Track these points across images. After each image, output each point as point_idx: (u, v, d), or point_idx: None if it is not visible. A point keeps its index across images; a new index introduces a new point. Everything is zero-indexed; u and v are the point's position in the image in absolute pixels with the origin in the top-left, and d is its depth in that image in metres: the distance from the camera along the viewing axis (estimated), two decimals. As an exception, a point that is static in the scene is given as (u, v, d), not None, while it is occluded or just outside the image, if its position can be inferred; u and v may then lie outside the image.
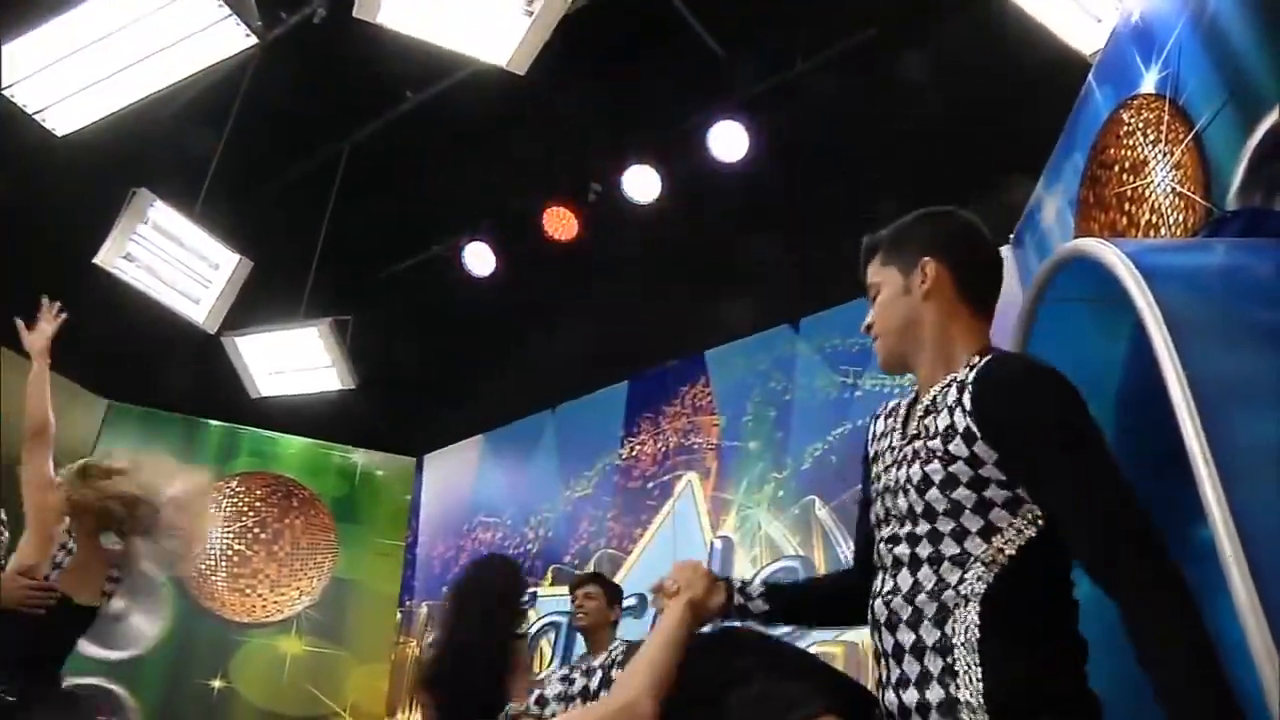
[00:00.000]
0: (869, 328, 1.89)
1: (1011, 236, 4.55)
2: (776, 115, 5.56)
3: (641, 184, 5.92)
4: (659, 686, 1.75)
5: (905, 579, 1.65)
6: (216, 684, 6.35)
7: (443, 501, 7.48)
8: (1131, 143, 3.20)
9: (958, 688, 1.53)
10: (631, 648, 4.19)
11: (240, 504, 6.92)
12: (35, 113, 4.41)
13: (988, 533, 1.59)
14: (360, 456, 7.48)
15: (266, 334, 5.90)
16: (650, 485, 6.25)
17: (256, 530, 6.89)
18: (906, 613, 1.62)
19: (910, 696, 1.59)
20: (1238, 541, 1.56)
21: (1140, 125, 3.14)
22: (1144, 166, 3.11)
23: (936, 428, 1.67)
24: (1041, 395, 1.64)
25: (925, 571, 1.62)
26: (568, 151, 6.08)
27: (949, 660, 1.55)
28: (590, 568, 6.15)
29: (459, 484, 7.43)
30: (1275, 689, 1.45)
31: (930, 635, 1.58)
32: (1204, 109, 2.75)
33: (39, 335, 3.76)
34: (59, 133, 4.51)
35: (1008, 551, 1.57)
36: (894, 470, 1.73)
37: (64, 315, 3.85)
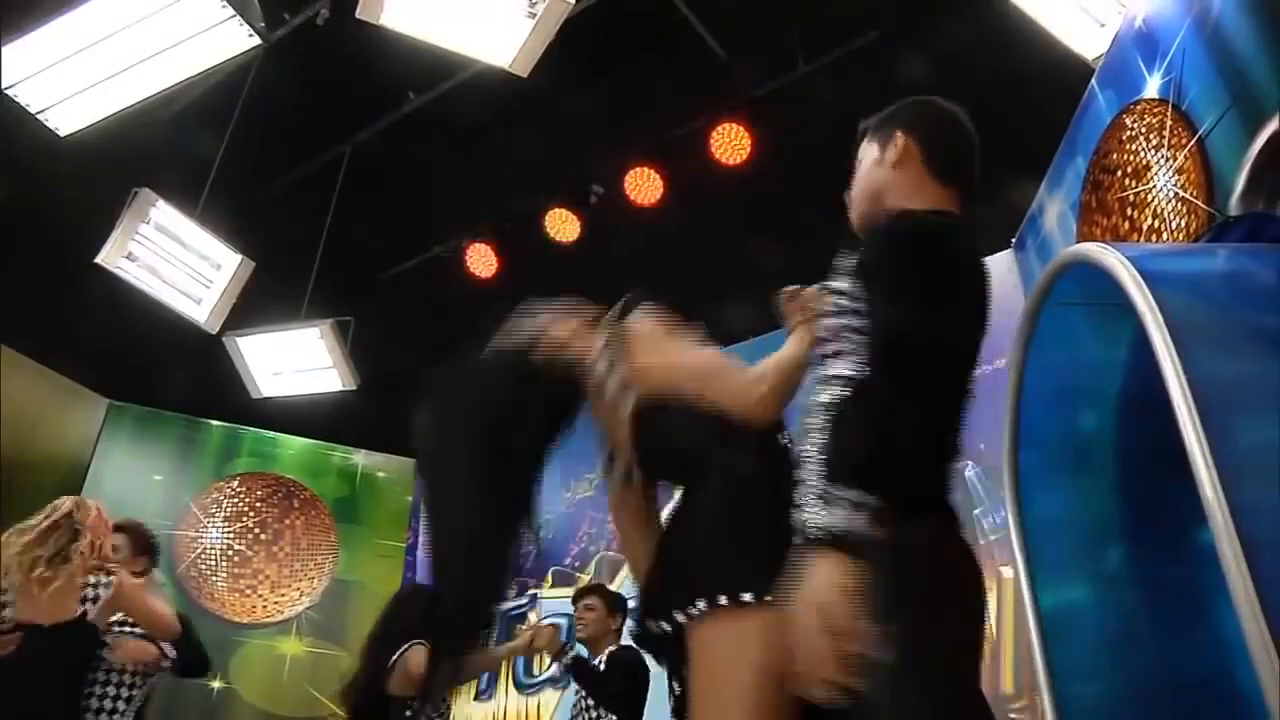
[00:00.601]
0: (849, 197, 2.06)
1: (1013, 240, 4.55)
2: (778, 118, 5.56)
3: (643, 186, 5.92)
4: (781, 386, 1.97)
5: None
6: (216, 684, 6.34)
7: (443, 503, 7.47)
8: (1134, 147, 3.20)
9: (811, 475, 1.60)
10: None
11: (241, 504, 6.92)
12: (38, 112, 4.41)
13: (843, 355, 1.68)
14: (361, 457, 7.48)
15: (268, 334, 5.90)
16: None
17: (257, 531, 6.88)
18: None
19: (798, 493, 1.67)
20: (1238, 544, 1.57)
21: (1143, 130, 3.15)
22: (1146, 171, 3.12)
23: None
24: (887, 236, 1.77)
25: (814, 398, 1.72)
26: (570, 153, 6.08)
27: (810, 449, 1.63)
28: (591, 570, 6.15)
29: (460, 485, 7.42)
30: (1274, 688, 1.46)
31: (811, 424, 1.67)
32: (1207, 114, 2.75)
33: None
34: (62, 132, 4.51)
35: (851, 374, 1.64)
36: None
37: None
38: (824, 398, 1.69)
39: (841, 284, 1.78)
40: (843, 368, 1.67)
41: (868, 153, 2.06)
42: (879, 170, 2.01)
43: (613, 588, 5.94)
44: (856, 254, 1.79)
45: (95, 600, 3.62)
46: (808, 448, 1.65)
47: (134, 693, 4.10)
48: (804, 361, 1.99)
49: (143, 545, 4.32)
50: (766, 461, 2.00)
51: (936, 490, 1.61)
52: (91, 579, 3.64)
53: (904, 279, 1.69)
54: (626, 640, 4.44)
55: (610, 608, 4.55)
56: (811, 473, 1.61)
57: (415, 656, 3.98)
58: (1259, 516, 1.60)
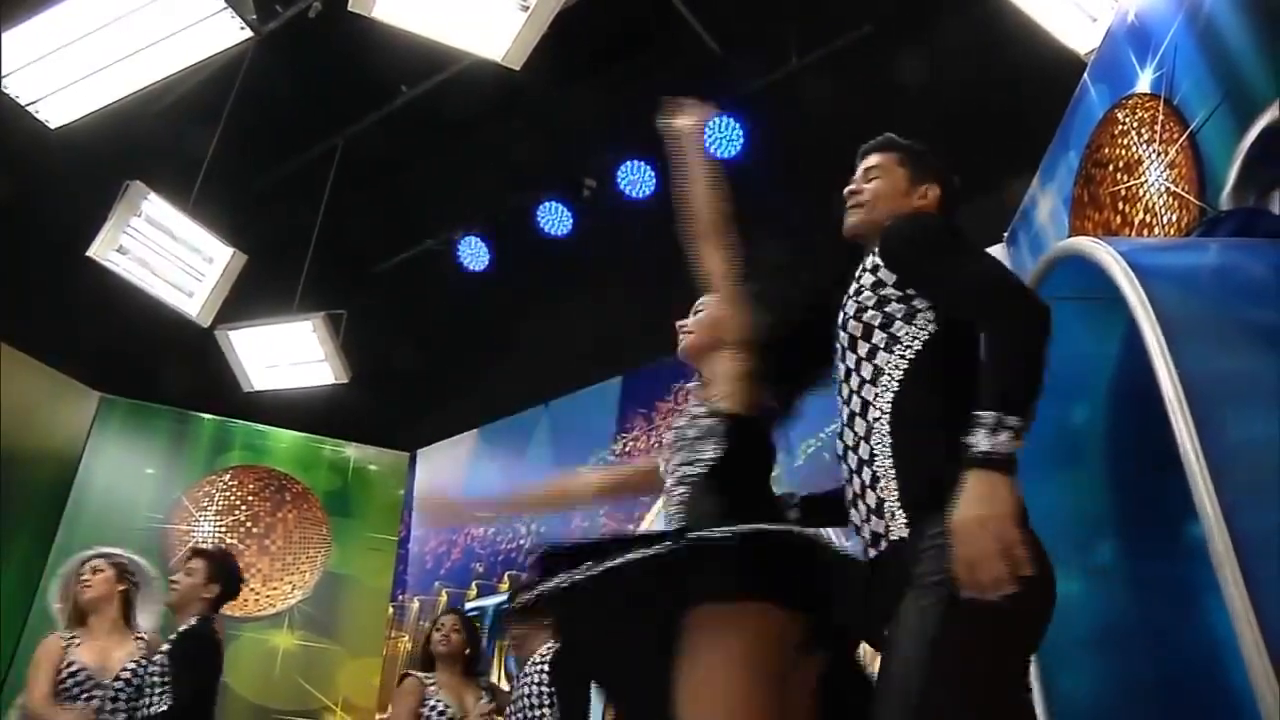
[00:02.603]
0: (857, 193, 2.22)
1: (1006, 234, 4.55)
2: (772, 112, 5.56)
3: (636, 180, 5.92)
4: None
5: (849, 407, 1.95)
6: (208, 678, 6.34)
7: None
8: (1126, 142, 3.21)
9: (882, 490, 1.80)
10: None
11: (232, 498, 6.91)
12: (29, 104, 4.39)
13: (891, 344, 1.90)
14: (353, 451, 7.47)
15: (260, 328, 5.88)
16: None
17: (249, 524, 6.87)
18: (850, 437, 1.92)
19: (861, 507, 1.86)
20: (1228, 539, 1.57)
21: (1135, 124, 3.15)
22: (1138, 166, 3.12)
23: (862, 274, 2.03)
24: (918, 221, 2.04)
25: (856, 398, 1.92)
26: (562, 146, 6.07)
27: (875, 470, 1.82)
28: (583, 563, 6.14)
29: (452, 479, 7.42)
30: (1265, 683, 1.46)
31: (864, 450, 1.86)
32: (1199, 109, 2.76)
33: None
34: (52, 125, 4.50)
35: (908, 356, 1.87)
36: (840, 318, 2.05)
37: None
38: (869, 395, 1.90)
39: (864, 280, 2.00)
40: (881, 361, 1.90)
41: (893, 175, 2.21)
42: (906, 203, 2.17)
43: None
44: (871, 253, 2.02)
45: None
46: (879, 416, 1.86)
47: None
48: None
49: (217, 572, 4.22)
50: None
51: None
52: None
53: (959, 243, 1.93)
54: None
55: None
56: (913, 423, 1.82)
57: None
58: (1249, 511, 1.60)
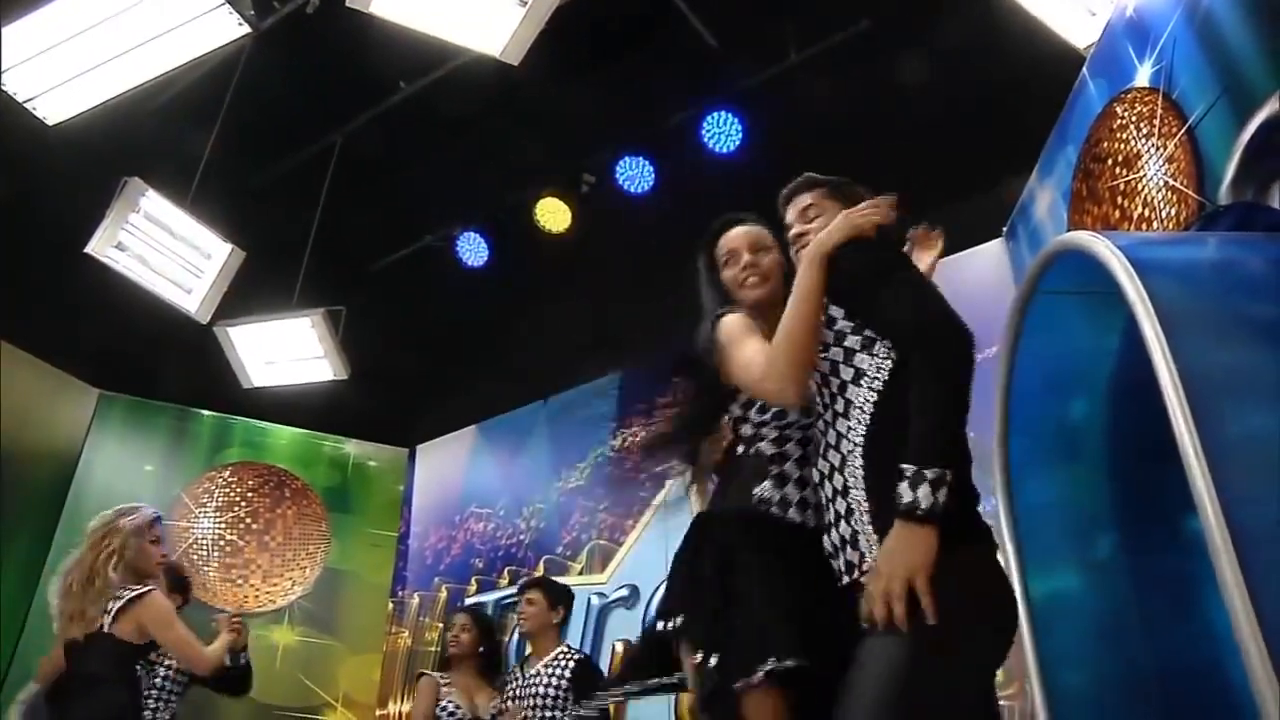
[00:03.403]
0: (804, 234, 2.29)
1: (1004, 229, 4.55)
2: (770, 107, 5.56)
3: (635, 175, 5.92)
4: (797, 356, 2.04)
5: (825, 438, 2.03)
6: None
7: (435, 492, 7.47)
8: (1125, 136, 3.21)
9: (855, 521, 1.87)
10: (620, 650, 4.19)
11: (232, 494, 6.91)
12: (26, 101, 4.38)
13: (858, 378, 1.96)
14: (353, 447, 7.47)
15: (259, 324, 5.88)
16: (642, 476, 6.25)
17: (248, 520, 6.88)
18: (825, 466, 2.00)
19: (834, 536, 1.94)
20: (1227, 532, 1.57)
21: (1134, 119, 3.15)
22: (1137, 160, 3.12)
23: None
24: (856, 251, 2.04)
25: (831, 431, 2.00)
26: (561, 142, 6.07)
27: (850, 501, 1.90)
28: (582, 559, 6.16)
29: (451, 475, 7.43)
30: (1262, 676, 1.47)
31: (838, 481, 1.94)
32: (1197, 103, 2.76)
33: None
34: (50, 121, 4.48)
35: (875, 387, 1.92)
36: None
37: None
38: (843, 428, 1.98)
39: (823, 316, 2.06)
40: (852, 395, 1.96)
41: (830, 211, 2.27)
42: None
43: (603, 577, 5.97)
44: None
45: (109, 611, 3.52)
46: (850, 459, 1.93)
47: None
48: (807, 316, 2.07)
49: (174, 584, 4.34)
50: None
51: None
52: (118, 593, 3.55)
53: (892, 272, 2.01)
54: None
55: (552, 601, 4.47)
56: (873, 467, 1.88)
57: None
58: (1248, 505, 1.61)
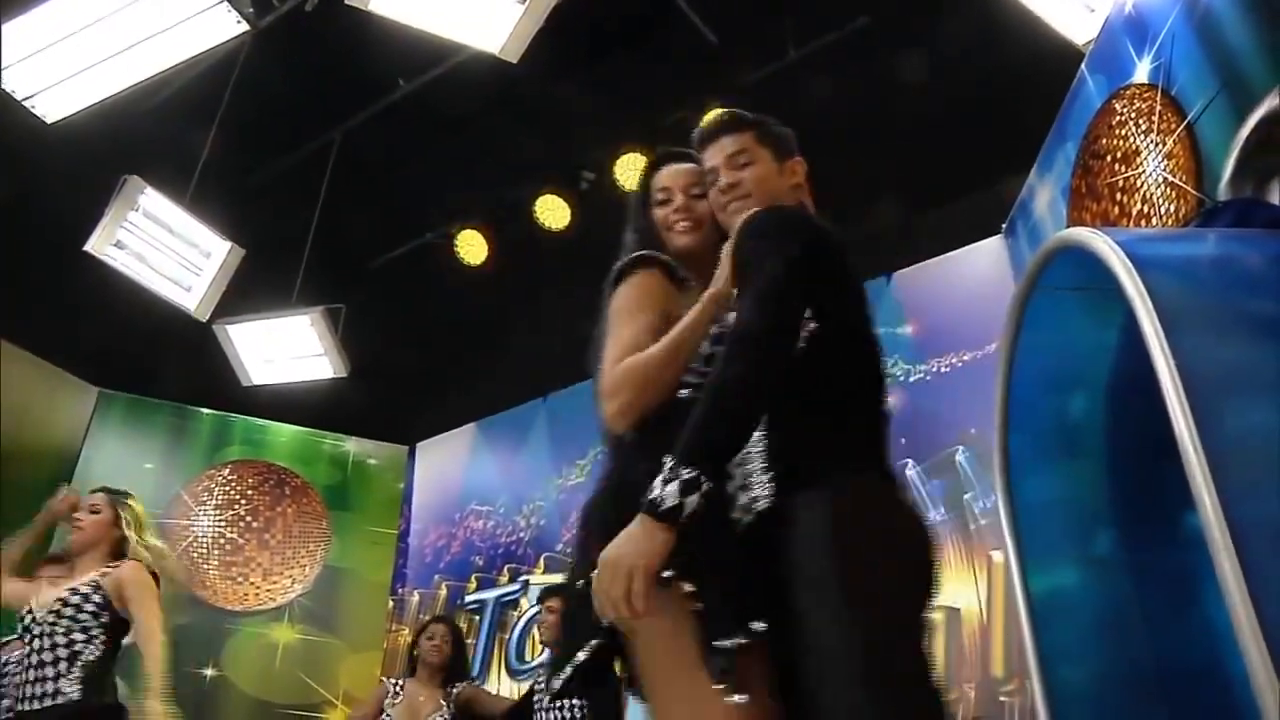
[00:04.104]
0: (736, 185, 2.04)
1: (1004, 226, 4.55)
2: (769, 104, 5.54)
3: (634, 172, 5.91)
4: (674, 356, 1.89)
5: None
6: (209, 672, 6.35)
7: (435, 490, 7.48)
8: (1124, 132, 3.21)
9: (748, 459, 1.76)
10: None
11: (232, 492, 6.91)
12: (25, 99, 4.38)
13: None
14: (353, 445, 7.47)
15: (258, 322, 5.88)
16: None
17: (248, 518, 6.88)
18: None
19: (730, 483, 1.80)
20: (1226, 528, 1.58)
21: (1132, 115, 3.15)
22: (1136, 156, 3.12)
23: None
24: (746, 225, 1.88)
25: None
26: (560, 139, 6.07)
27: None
28: (582, 556, 6.16)
29: (451, 472, 7.43)
30: (1262, 671, 1.47)
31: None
32: (1196, 99, 2.76)
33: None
34: (49, 119, 4.48)
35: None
36: None
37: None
38: None
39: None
40: None
41: (760, 157, 2.09)
42: (781, 184, 2.09)
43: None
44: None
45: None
46: None
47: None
48: (700, 332, 1.94)
49: None
50: None
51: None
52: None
53: (772, 259, 1.80)
54: None
55: None
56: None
57: None
58: (1247, 501, 1.61)
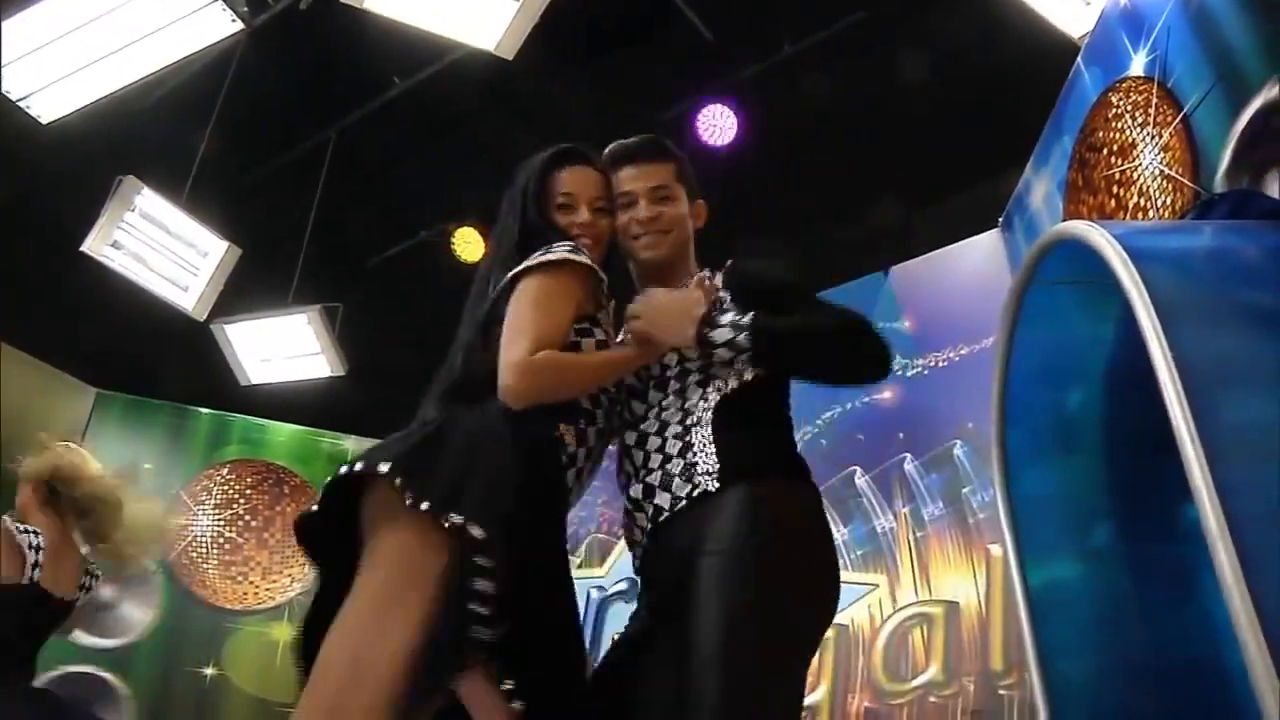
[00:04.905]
0: (656, 219, 2.17)
1: (1000, 219, 4.55)
2: (766, 100, 5.55)
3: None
4: (596, 379, 2.04)
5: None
6: (209, 671, 6.35)
7: (434, 488, 7.46)
8: (1120, 125, 3.21)
9: (694, 455, 1.90)
10: None
11: (231, 491, 6.91)
12: (19, 100, 4.38)
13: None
14: (351, 443, 7.45)
15: (255, 321, 5.88)
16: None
17: (247, 518, 6.87)
18: (655, 426, 2.04)
19: (654, 476, 1.98)
20: (1224, 522, 1.57)
21: (1129, 108, 3.15)
22: (1132, 149, 3.12)
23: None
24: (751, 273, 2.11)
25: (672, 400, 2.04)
26: (556, 136, 6.05)
27: (687, 440, 1.93)
28: (581, 552, 6.16)
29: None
30: (1260, 664, 1.47)
31: (674, 430, 1.98)
32: (1192, 91, 2.76)
33: None
34: (43, 120, 4.48)
35: (723, 392, 1.97)
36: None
37: None
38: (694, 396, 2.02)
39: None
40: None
41: (679, 195, 2.23)
42: (690, 225, 2.26)
43: (602, 570, 5.97)
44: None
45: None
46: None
47: None
48: (618, 370, 2.07)
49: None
50: None
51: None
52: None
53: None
54: None
55: None
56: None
57: None
58: (1245, 494, 1.61)
